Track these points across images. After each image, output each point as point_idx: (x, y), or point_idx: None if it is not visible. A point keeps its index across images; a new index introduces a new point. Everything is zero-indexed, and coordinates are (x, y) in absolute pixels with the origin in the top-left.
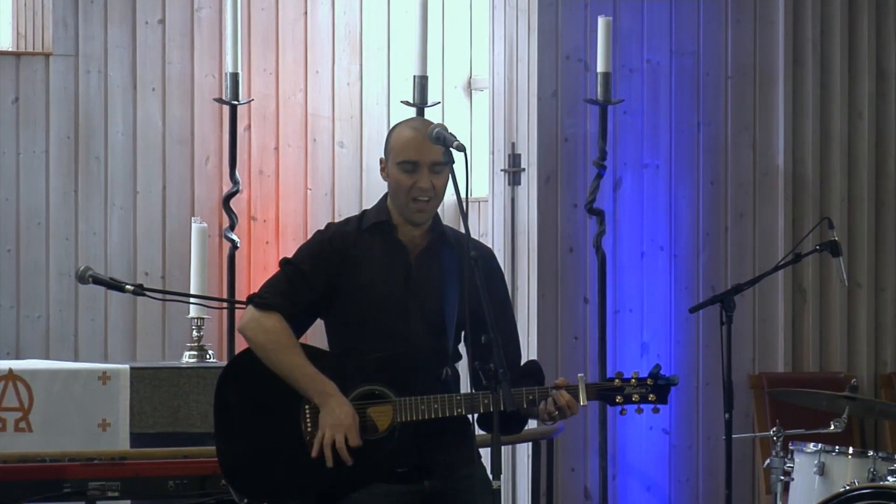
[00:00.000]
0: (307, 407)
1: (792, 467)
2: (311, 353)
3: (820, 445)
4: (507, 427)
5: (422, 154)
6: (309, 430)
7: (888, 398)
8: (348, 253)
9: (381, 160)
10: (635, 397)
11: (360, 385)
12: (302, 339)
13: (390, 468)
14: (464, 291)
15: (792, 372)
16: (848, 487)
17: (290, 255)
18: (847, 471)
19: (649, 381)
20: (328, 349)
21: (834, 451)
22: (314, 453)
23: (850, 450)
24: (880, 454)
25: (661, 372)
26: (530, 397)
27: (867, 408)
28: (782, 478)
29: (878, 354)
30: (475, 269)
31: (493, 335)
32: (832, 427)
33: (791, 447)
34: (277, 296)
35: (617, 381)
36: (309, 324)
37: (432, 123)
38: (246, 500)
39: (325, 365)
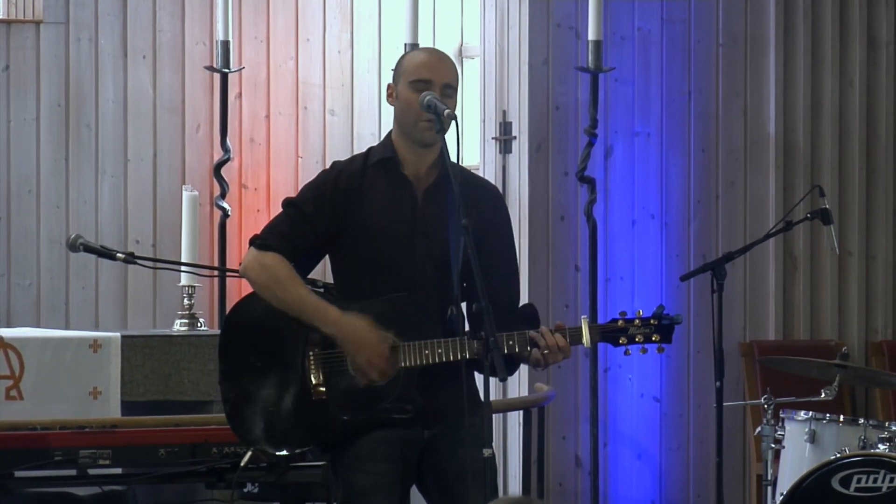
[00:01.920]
0: (311, 354)
1: (783, 435)
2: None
3: (811, 413)
4: (509, 365)
5: (436, 74)
6: (313, 378)
7: (879, 366)
8: (354, 191)
9: (388, 86)
10: (639, 338)
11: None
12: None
13: (397, 413)
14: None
15: (783, 340)
16: (838, 455)
17: (293, 196)
18: (838, 438)
19: (653, 322)
20: (333, 282)
21: (825, 419)
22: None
23: (841, 418)
24: (871, 422)
25: (665, 312)
26: (521, 342)
27: (858, 376)
28: (773, 445)
29: (869, 322)
30: (467, 237)
31: (483, 304)
32: (823, 395)
33: (782, 415)
34: (277, 237)
35: (620, 322)
36: (315, 262)
37: (443, 52)
38: (253, 449)
39: None
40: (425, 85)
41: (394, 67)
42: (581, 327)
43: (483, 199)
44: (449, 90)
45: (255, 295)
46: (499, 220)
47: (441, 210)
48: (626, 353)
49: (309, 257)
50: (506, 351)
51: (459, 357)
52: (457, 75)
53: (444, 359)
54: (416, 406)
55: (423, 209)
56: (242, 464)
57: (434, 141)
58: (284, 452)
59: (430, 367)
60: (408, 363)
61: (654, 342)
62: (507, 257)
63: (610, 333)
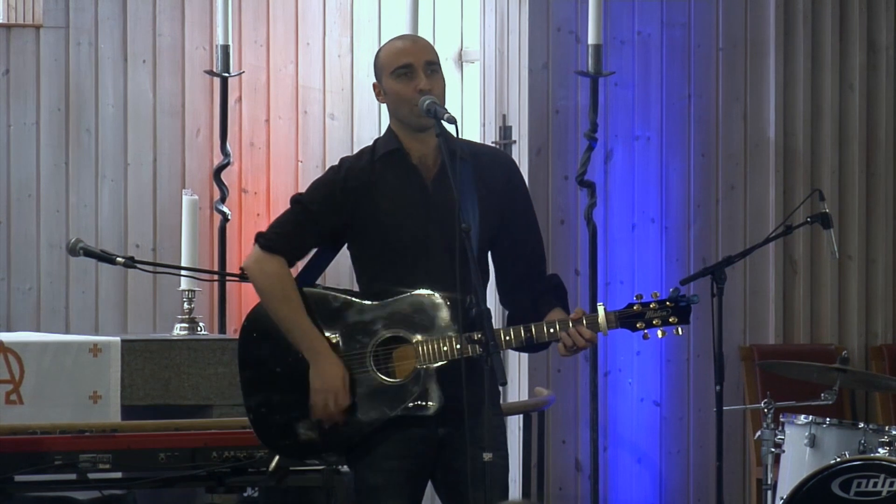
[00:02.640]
0: None
1: (783, 439)
2: (332, 300)
3: (811, 417)
4: (533, 348)
5: (414, 56)
6: None
7: (878, 370)
8: (364, 187)
9: (374, 86)
10: (656, 321)
11: (382, 331)
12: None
13: (419, 412)
14: (484, 211)
15: (783, 344)
16: (838, 459)
17: (302, 192)
18: (838, 442)
19: (669, 304)
20: (356, 278)
21: (824, 423)
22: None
23: (841, 422)
24: (871, 426)
25: (681, 293)
26: (551, 330)
27: (858, 380)
28: (773, 449)
29: (869, 326)
30: (467, 240)
31: (483, 307)
32: (823, 398)
33: (782, 419)
34: (282, 238)
35: (637, 306)
36: (330, 258)
37: (415, 34)
38: (280, 455)
39: (343, 316)
40: (407, 70)
41: (373, 66)
42: (597, 315)
43: (494, 168)
44: (432, 66)
45: (263, 306)
46: (513, 187)
47: (452, 195)
48: (644, 336)
49: (321, 254)
50: (546, 339)
51: (476, 353)
52: (435, 52)
53: (463, 354)
54: (438, 404)
55: (435, 197)
56: (270, 468)
57: (430, 124)
58: (312, 457)
59: (452, 363)
60: (426, 361)
61: (672, 324)
62: (528, 225)
63: (627, 319)
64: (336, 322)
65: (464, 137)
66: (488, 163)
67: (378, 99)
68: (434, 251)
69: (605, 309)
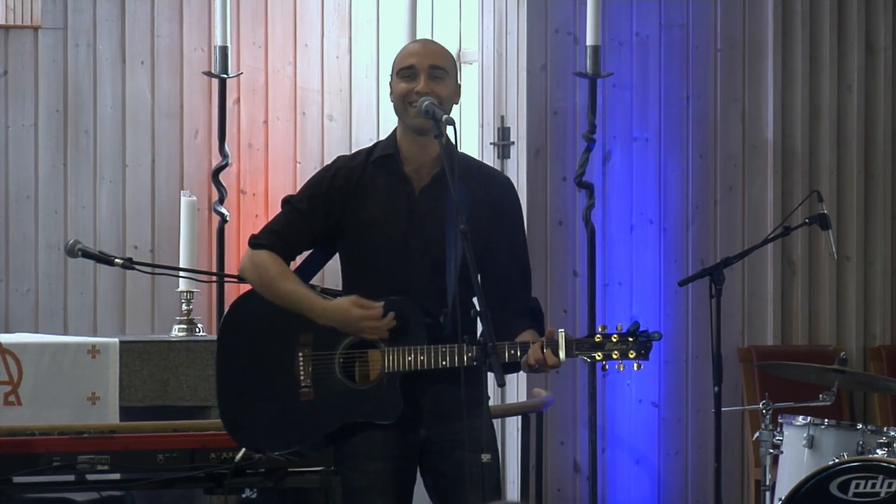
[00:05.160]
0: (301, 354)
1: (781, 440)
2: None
3: (809, 418)
4: (506, 368)
5: (418, 58)
6: (302, 378)
7: (877, 371)
8: (353, 188)
9: (389, 85)
10: (615, 354)
11: (349, 335)
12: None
13: (377, 419)
14: (471, 224)
15: (781, 345)
16: (837, 460)
17: (293, 193)
18: (836, 444)
19: (630, 338)
20: (341, 280)
21: (823, 424)
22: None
23: (839, 423)
24: (869, 427)
25: (642, 329)
26: (512, 352)
27: (856, 381)
28: (771, 451)
29: (867, 327)
30: (466, 243)
31: (482, 308)
32: (821, 399)
33: (780, 420)
34: (271, 235)
35: (598, 337)
36: (322, 262)
37: (431, 39)
38: (245, 449)
39: None
40: (410, 71)
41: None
42: (556, 342)
43: (487, 187)
44: (437, 71)
45: (248, 296)
46: (504, 209)
47: (439, 208)
48: (603, 368)
49: (313, 256)
50: (506, 359)
51: (440, 365)
52: (446, 57)
53: (426, 366)
54: (398, 411)
55: (420, 207)
56: (237, 459)
57: (427, 126)
58: (274, 453)
59: (419, 372)
60: (391, 368)
61: (631, 359)
62: (513, 251)
63: (586, 349)
64: (309, 321)
65: (465, 152)
66: (482, 180)
67: (391, 98)
68: (415, 260)
69: (566, 335)
